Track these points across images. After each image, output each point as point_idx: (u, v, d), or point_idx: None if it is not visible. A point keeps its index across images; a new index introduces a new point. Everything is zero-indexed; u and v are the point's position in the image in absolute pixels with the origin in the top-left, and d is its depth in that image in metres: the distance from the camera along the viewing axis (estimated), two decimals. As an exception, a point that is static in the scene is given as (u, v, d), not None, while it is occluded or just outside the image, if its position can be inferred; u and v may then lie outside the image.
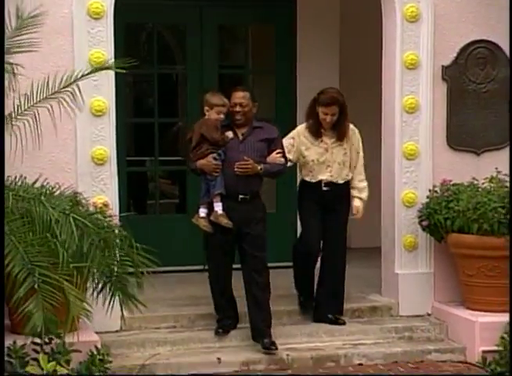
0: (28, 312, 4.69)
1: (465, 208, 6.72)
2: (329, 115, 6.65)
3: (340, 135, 6.72)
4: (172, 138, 9.12)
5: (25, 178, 5.89)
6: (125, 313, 5.67)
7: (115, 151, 6.72)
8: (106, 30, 6.59)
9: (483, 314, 6.76)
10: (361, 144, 6.85)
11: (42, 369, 5.20)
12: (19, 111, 5.43)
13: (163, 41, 9.17)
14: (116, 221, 6.01)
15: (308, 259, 6.81)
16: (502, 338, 6.44)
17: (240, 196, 6.38)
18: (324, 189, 6.72)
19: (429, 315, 7.21)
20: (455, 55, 7.21)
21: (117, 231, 5.53)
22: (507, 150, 7.31)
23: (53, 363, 5.30)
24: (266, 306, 6.49)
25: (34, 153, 5.98)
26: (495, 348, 6.48)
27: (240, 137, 6.47)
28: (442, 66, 7.19)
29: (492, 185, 6.89)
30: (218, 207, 6.32)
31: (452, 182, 7.05)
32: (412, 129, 7.16)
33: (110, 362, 5.79)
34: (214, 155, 6.35)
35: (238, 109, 6.43)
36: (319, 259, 6.91)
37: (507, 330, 6.42)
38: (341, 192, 6.79)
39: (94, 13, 6.55)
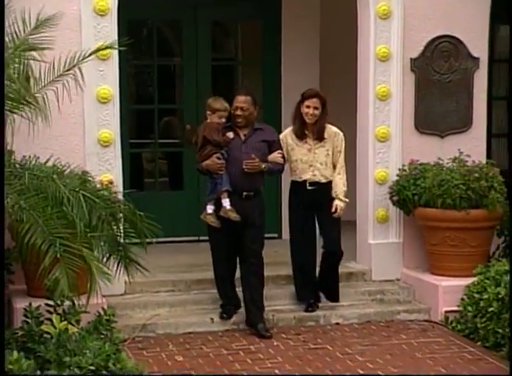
0: (53, 281, 4.72)
1: (430, 185, 6.76)
2: (311, 107, 6.44)
3: (319, 135, 6.50)
4: (167, 126, 9.05)
5: (38, 157, 5.89)
6: (128, 279, 5.71)
7: (119, 134, 6.74)
8: (110, 25, 6.60)
9: (446, 279, 6.81)
10: (343, 145, 6.61)
11: (55, 327, 5.22)
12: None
13: (161, 35, 9.10)
14: (120, 196, 6.03)
15: (302, 271, 6.64)
16: (462, 299, 6.51)
17: (244, 193, 6.25)
18: (309, 188, 6.53)
19: (398, 280, 7.25)
20: (422, 48, 7.22)
21: (122, 206, 5.55)
22: (468, 133, 7.36)
23: (65, 322, 5.30)
24: (260, 297, 6.40)
25: (46, 136, 5.97)
26: (456, 308, 6.56)
27: (243, 138, 6.32)
28: (411, 58, 7.20)
29: (455, 164, 6.94)
30: (226, 202, 6.16)
31: (419, 162, 7.08)
32: (383, 115, 7.18)
33: (115, 322, 5.79)
34: (218, 155, 6.20)
35: (239, 112, 6.27)
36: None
37: (467, 293, 6.48)
38: (326, 190, 6.55)
39: (99, 10, 6.56)
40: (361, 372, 5.62)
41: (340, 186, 6.54)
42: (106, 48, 5.82)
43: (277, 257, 7.25)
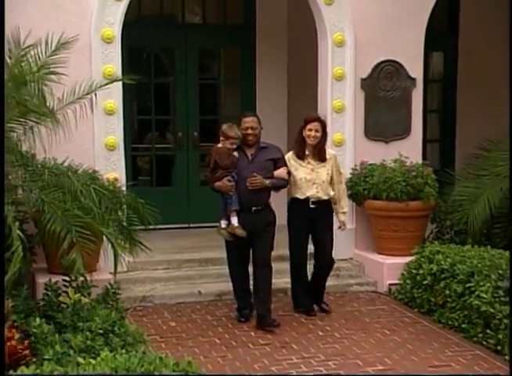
0: (71, 261, 4.76)
1: (377, 182, 6.82)
2: (313, 131, 5.97)
3: (321, 156, 6.08)
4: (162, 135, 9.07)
5: (56, 159, 5.91)
6: (131, 258, 5.75)
7: (122, 140, 6.75)
8: (115, 50, 6.61)
9: (389, 257, 6.87)
10: (340, 165, 6.34)
11: (70, 298, 5.25)
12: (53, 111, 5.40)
13: (157, 59, 9.11)
14: (123, 188, 6.07)
15: (299, 270, 6.23)
16: (402, 274, 6.58)
17: (253, 208, 5.76)
18: (311, 206, 6.04)
19: (351, 258, 7.28)
20: (370, 70, 7.26)
21: (126, 195, 5.59)
22: (407, 139, 7.39)
23: (78, 294, 5.31)
24: (269, 295, 5.89)
25: (63, 141, 5.95)
26: (398, 281, 6.62)
27: (250, 157, 5.82)
28: (361, 78, 7.25)
29: (397, 164, 6.99)
30: (234, 220, 5.74)
31: (368, 163, 7.13)
32: (339, 124, 7.21)
33: (120, 294, 5.81)
34: (229, 177, 5.73)
35: (250, 131, 5.78)
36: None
37: (406, 269, 6.55)
38: (326, 207, 6.13)
39: (106, 38, 6.57)
40: (320, 334, 5.69)
41: (343, 203, 6.23)
42: (115, 81, 5.85)
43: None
